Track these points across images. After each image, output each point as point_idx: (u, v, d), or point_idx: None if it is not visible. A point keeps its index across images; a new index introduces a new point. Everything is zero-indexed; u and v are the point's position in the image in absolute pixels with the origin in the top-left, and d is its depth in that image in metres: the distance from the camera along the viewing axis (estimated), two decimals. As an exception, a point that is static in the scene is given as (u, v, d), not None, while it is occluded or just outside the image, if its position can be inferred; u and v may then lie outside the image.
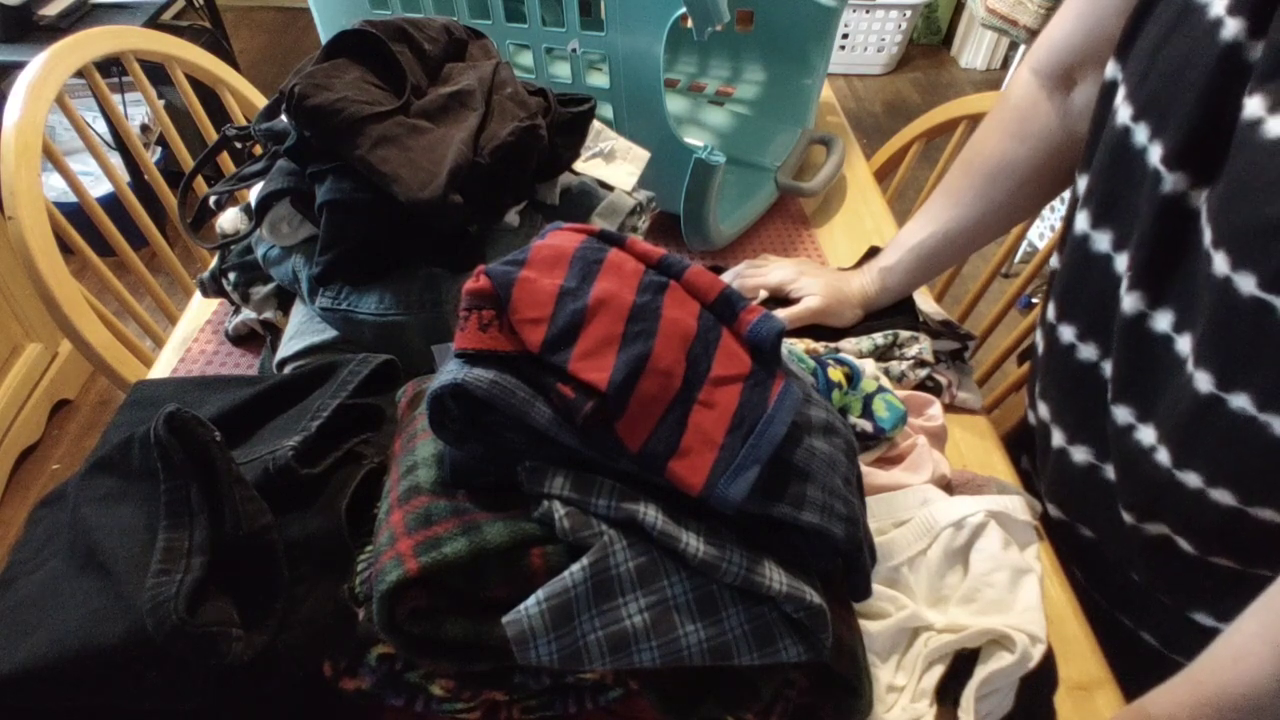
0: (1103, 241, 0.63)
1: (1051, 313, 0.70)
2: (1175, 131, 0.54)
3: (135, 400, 0.59)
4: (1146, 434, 0.60)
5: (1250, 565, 0.60)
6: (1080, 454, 0.69)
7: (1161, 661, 0.68)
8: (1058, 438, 0.71)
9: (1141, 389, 0.60)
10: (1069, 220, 0.67)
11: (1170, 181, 0.54)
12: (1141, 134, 0.57)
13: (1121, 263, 0.61)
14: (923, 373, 0.79)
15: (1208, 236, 0.52)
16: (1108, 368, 0.64)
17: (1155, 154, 0.56)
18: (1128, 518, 0.64)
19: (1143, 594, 0.68)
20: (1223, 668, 0.51)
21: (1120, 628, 0.71)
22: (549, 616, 0.39)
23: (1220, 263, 0.50)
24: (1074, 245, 0.66)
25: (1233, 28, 0.50)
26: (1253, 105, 0.48)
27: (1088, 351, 0.66)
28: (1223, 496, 0.56)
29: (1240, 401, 0.52)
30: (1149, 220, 0.56)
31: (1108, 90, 0.61)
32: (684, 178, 0.90)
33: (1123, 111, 0.59)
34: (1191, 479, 0.57)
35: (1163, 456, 0.59)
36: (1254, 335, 0.50)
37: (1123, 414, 0.61)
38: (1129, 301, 0.59)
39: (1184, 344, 0.56)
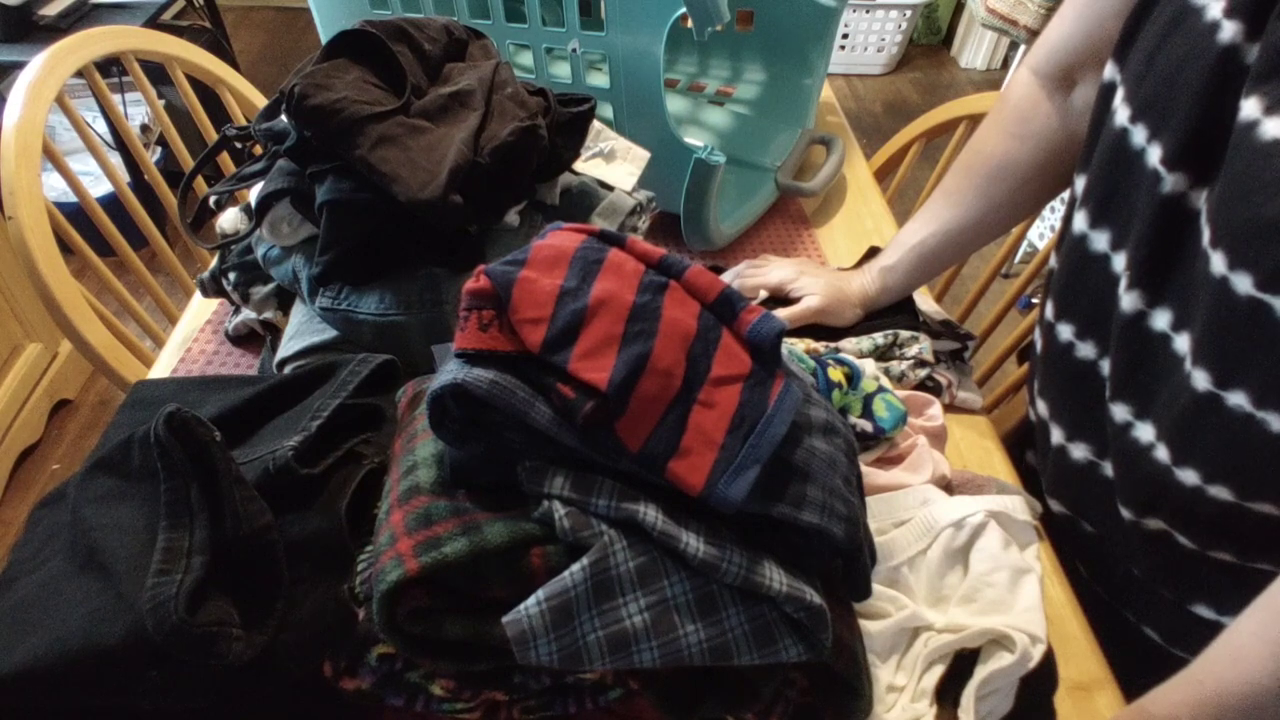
0: (1100, 241, 0.63)
1: (1050, 311, 0.70)
2: (1174, 133, 0.54)
3: (135, 400, 0.59)
4: (1145, 431, 0.60)
5: (1249, 560, 0.60)
6: (1079, 451, 0.69)
7: (1163, 657, 0.68)
8: (1056, 435, 0.71)
9: (1140, 387, 0.60)
10: (1067, 220, 0.68)
11: (1170, 182, 0.54)
12: (1140, 135, 0.57)
13: (1119, 262, 0.61)
14: (923, 373, 0.79)
15: (1206, 236, 0.52)
16: (1105, 366, 0.64)
17: (1154, 155, 0.56)
18: (1126, 514, 0.64)
19: (1144, 588, 0.69)
20: (1222, 667, 0.51)
21: (1122, 623, 0.71)
22: (549, 616, 0.39)
23: (1218, 262, 0.50)
24: (1072, 245, 0.66)
25: (1230, 30, 0.50)
26: (1249, 107, 0.48)
27: (1085, 350, 0.66)
28: (1220, 492, 0.56)
29: (1237, 399, 0.52)
30: (1148, 220, 0.57)
31: (1106, 91, 0.62)
32: (684, 178, 0.90)
33: (1121, 113, 0.59)
34: (1189, 476, 0.57)
35: (1161, 454, 0.59)
36: (1251, 334, 0.50)
37: (1121, 412, 0.62)
38: (1128, 300, 0.59)
39: (1182, 342, 0.56)
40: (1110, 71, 0.61)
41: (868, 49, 3.24)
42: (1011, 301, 1.14)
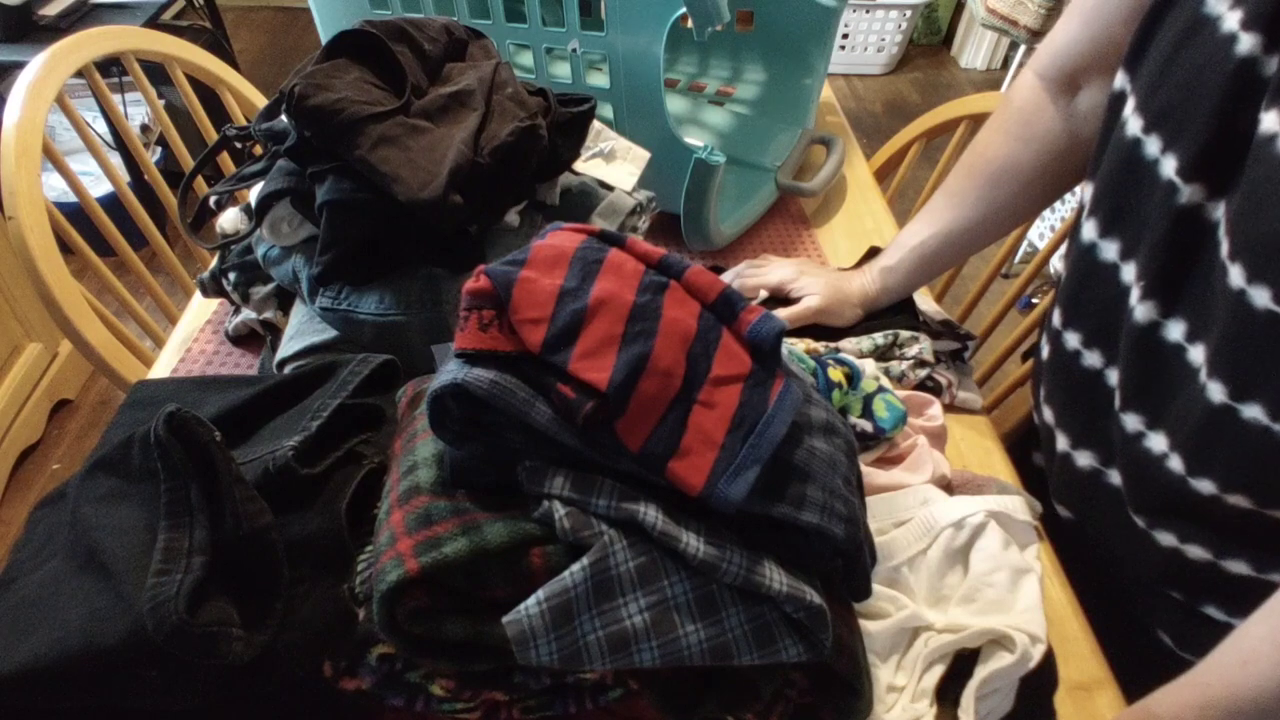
0: (1110, 250, 0.63)
1: (1057, 318, 0.70)
2: (1190, 144, 0.54)
3: (135, 400, 0.59)
4: (1157, 442, 0.60)
5: (1262, 571, 0.60)
6: (1084, 459, 0.69)
7: (1172, 662, 0.68)
8: (1062, 442, 0.71)
9: (1152, 397, 0.60)
10: (1075, 228, 0.67)
11: (1186, 193, 0.54)
12: (1153, 146, 0.57)
13: (1128, 272, 0.61)
14: (923, 373, 0.79)
15: (1225, 248, 0.52)
16: (1112, 375, 0.64)
17: (1169, 166, 0.56)
18: (1139, 521, 0.64)
19: (1153, 590, 0.68)
20: (1230, 670, 0.51)
21: (1131, 626, 0.71)
22: (549, 616, 0.39)
23: (1236, 275, 0.50)
24: (1080, 253, 0.66)
25: (1248, 43, 0.50)
26: (1269, 120, 0.48)
27: (1092, 358, 0.66)
28: (1239, 501, 0.56)
29: (1253, 412, 0.52)
30: (1162, 231, 0.56)
31: (1116, 101, 0.61)
32: (684, 178, 0.90)
33: (1133, 123, 0.59)
34: (1205, 486, 0.57)
35: (1175, 464, 0.59)
36: (1268, 347, 0.50)
37: (1132, 421, 0.61)
38: (1141, 311, 0.58)
39: (1197, 354, 0.56)
40: (1121, 81, 0.61)
41: (868, 49, 3.24)
42: (1011, 301, 1.14)
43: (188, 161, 1.13)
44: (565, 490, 0.42)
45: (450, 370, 0.42)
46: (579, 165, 0.81)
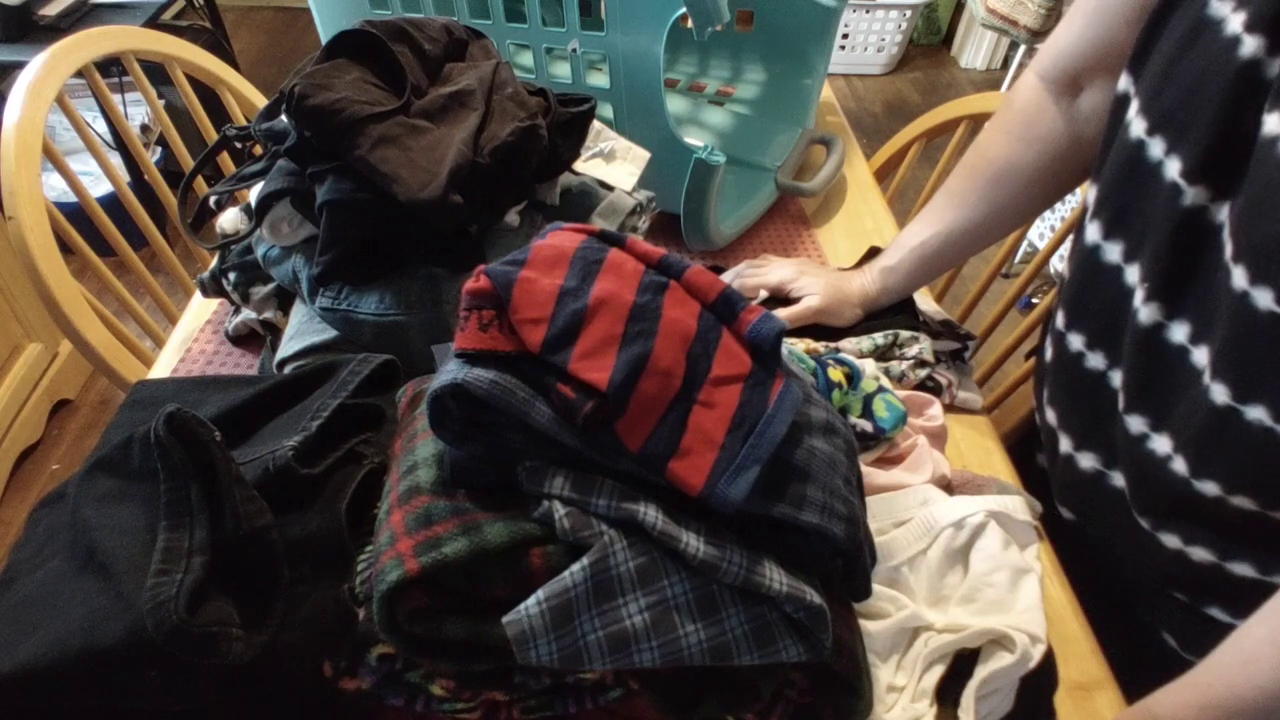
0: (1113, 252, 0.63)
1: (1060, 320, 0.70)
2: (1194, 146, 0.54)
3: (135, 400, 0.59)
4: (1161, 443, 0.60)
5: (1267, 573, 0.59)
6: (1087, 460, 0.69)
7: (1174, 662, 0.68)
8: (1065, 444, 0.71)
9: (1156, 399, 0.60)
10: (1079, 230, 0.67)
11: (1191, 195, 0.54)
12: (1157, 148, 0.57)
13: (1132, 274, 0.61)
14: (923, 373, 0.79)
15: (1228, 250, 0.52)
16: (1115, 377, 0.64)
17: (1173, 168, 0.56)
18: (1143, 523, 0.64)
19: (1157, 592, 0.68)
20: (1231, 671, 0.51)
21: (1132, 626, 0.71)
22: (549, 616, 0.39)
23: (1239, 277, 0.50)
24: (1084, 255, 0.66)
25: (1251, 45, 0.50)
26: (1272, 122, 0.48)
27: (1095, 360, 0.66)
28: (1243, 503, 0.56)
29: (1257, 413, 0.52)
30: (1167, 233, 0.56)
31: (1119, 102, 0.61)
32: (684, 178, 0.90)
33: (1136, 125, 0.59)
34: (1210, 487, 0.57)
35: (1179, 466, 0.59)
36: (1271, 349, 0.50)
37: (1136, 423, 0.61)
38: (1145, 312, 0.59)
39: (1200, 355, 0.56)
40: (1124, 83, 0.61)
41: (868, 49, 3.24)
42: (1012, 301, 1.14)
43: (188, 161, 1.13)
44: (565, 490, 0.42)
45: (450, 370, 0.42)
46: (579, 165, 0.81)
